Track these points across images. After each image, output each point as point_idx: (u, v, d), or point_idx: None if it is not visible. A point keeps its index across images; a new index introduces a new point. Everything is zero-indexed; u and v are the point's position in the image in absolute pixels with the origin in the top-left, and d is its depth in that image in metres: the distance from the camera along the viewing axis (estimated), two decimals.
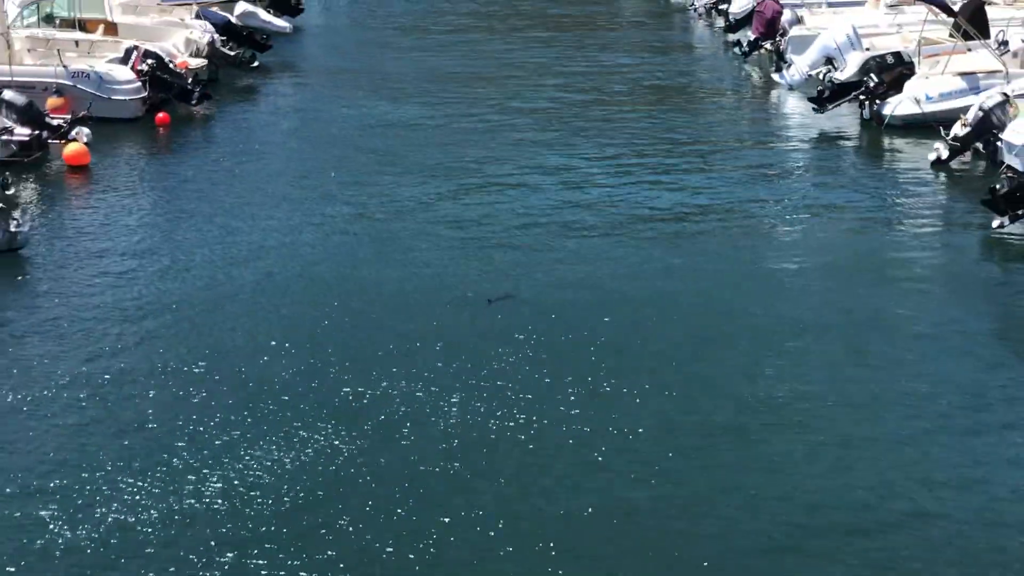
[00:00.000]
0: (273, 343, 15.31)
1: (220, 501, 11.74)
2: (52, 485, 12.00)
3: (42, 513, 11.38)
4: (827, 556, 10.97)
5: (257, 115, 28.92)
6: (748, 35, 34.39)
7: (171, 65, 27.82)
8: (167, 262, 18.28)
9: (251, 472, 12.32)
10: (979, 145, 22.76)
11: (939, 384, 14.15)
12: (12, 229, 17.96)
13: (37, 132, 23.14)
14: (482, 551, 11.03)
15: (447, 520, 11.38)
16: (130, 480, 11.97)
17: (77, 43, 28.12)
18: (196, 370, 14.56)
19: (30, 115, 23.12)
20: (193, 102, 27.75)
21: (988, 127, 22.23)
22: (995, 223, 19.12)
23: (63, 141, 23.52)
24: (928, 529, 11.34)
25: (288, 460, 12.40)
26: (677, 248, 19.07)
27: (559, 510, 11.63)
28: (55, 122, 23.74)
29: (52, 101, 25.17)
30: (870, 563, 10.85)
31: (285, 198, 21.74)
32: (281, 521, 11.33)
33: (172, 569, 10.52)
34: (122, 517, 11.35)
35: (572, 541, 11.12)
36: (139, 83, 26.86)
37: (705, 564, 10.76)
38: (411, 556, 10.82)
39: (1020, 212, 18.95)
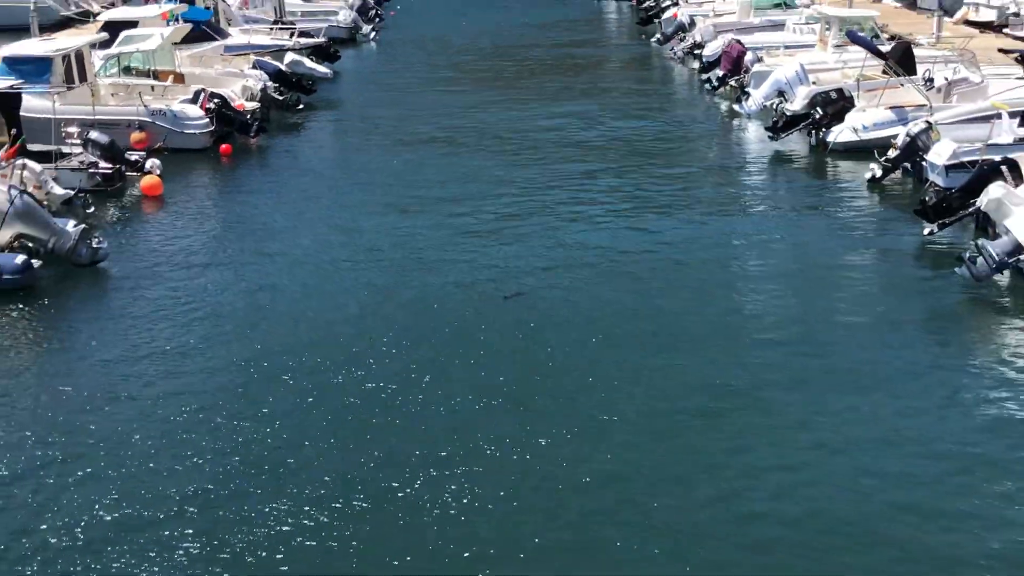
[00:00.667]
0: (334, 338, 15.51)
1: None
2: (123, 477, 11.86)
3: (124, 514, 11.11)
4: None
5: (303, 146, 29.23)
6: (718, 73, 34.45)
7: (230, 105, 28.25)
8: (229, 274, 18.47)
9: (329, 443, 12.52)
10: (908, 165, 23.02)
11: (879, 365, 14.28)
12: (94, 246, 18.24)
13: (118, 166, 23.46)
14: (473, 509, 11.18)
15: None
16: (206, 476, 11.69)
17: (152, 88, 28.45)
18: (251, 367, 14.66)
19: (112, 151, 23.41)
20: (251, 135, 28.17)
21: (914, 150, 22.40)
22: (925, 231, 19.14)
23: (140, 173, 23.87)
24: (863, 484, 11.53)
25: (385, 447, 12.31)
26: (651, 251, 19.29)
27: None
28: (133, 157, 24.12)
29: (135, 135, 25.81)
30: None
31: (329, 214, 22.05)
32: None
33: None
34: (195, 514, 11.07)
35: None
36: (207, 119, 27.27)
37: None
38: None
39: (947, 221, 18.93)
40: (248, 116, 28.47)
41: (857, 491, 11.35)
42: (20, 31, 40.86)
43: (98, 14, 50.96)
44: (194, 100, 27.70)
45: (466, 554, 10.37)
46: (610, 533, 10.66)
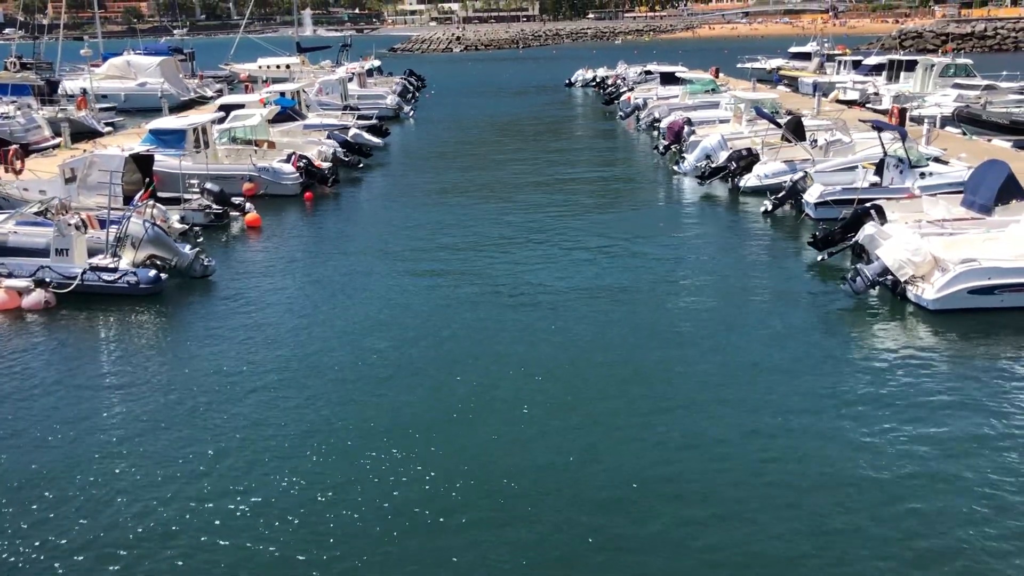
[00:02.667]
0: (388, 328, 15.28)
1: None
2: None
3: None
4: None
5: (364, 193, 28.99)
6: (664, 142, 34.28)
7: (313, 164, 28.27)
8: (309, 284, 18.27)
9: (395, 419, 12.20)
10: (791, 202, 22.91)
11: (781, 352, 13.93)
12: (205, 263, 18.22)
13: (225, 208, 23.45)
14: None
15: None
16: (295, 471, 10.62)
17: (255, 152, 28.59)
18: (323, 351, 14.42)
19: (221, 197, 23.44)
20: (328, 185, 28.15)
21: (795, 192, 22.50)
22: (818, 257, 18.63)
23: (242, 213, 23.79)
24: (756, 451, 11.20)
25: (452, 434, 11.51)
26: (609, 260, 19.00)
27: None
28: (237, 201, 24.07)
29: (246, 185, 26.23)
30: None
31: (383, 239, 21.99)
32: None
33: None
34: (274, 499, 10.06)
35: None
36: (297, 173, 27.35)
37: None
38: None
39: (832, 251, 18.56)
40: (325, 172, 28.45)
41: (753, 437, 11.15)
42: (152, 111, 41.18)
43: (211, 99, 51.66)
44: (287, 160, 27.85)
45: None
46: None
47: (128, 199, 20.19)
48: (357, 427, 11.68)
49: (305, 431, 11.62)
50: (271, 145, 29.63)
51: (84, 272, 16.91)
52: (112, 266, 17.08)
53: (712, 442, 11.12)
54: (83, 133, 36.72)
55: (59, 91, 46.75)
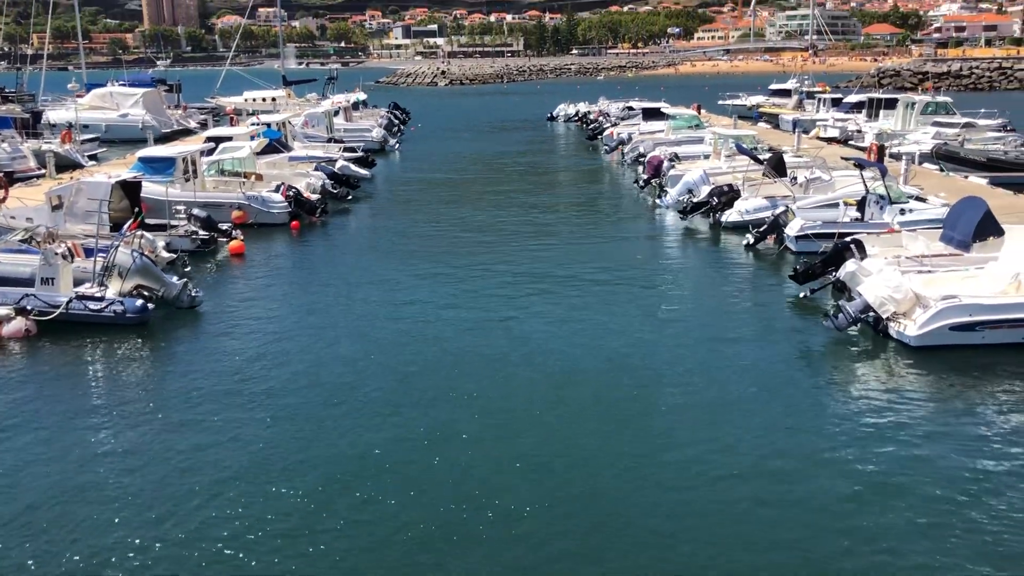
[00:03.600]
0: (370, 357, 15.35)
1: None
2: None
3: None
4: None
5: (350, 224, 29.13)
6: (644, 176, 34.59)
7: (302, 195, 28.45)
8: (294, 313, 18.31)
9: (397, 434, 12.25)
10: (773, 236, 23.20)
11: (767, 387, 13.94)
12: (192, 294, 18.17)
13: (212, 234, 23.52)
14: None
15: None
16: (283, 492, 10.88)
17: (242, 184, 28.73)
18: (306, 381, 14.45)
19: (208, 224, 23.57)
20: (315, 216, 28.36)
21: (778, 226, 22.79)
22: (801, 294, 18.47)
23: (228, 239, 23.85)
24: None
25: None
26: (580, 306, 18.81)
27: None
28: (224, 227, 24.15)
29: (235, 213, 26.35)
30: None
31: (368, 270, 22.09)
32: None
33: None
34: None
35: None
36: (286, 203, 27.56)
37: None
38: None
39: (815, 287, 18.48)
40: (315, 203, 28.72)
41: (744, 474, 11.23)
42: (134, 142, 41.24)
43: (195, 130, 51.91)
44: (276, 190, 28.11)
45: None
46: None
47: (116, 226, 20.19)
48: (341, 459, 11.68)
49: (291, 464, 11.59)
50: (259, 177, 29.77)
51: (70, 301, 16.79)
52: (98, 295, 17.00)
53: (689, 479, 11.03)
54: (67, 166, 36.74)
55: (42, 121, 46.74)
